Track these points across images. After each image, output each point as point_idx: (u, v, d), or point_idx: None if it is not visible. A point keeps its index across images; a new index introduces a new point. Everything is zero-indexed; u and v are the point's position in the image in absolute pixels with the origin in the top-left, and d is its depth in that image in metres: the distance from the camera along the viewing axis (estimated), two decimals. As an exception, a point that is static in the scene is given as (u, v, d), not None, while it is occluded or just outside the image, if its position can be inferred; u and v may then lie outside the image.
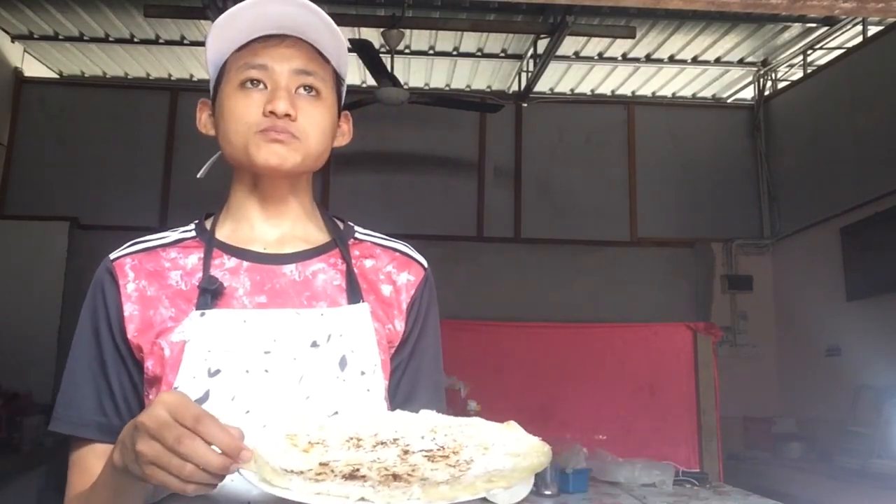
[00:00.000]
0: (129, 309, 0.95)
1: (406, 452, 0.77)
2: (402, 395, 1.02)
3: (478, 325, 4.00)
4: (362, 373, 0.94)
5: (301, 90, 0.98)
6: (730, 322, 5.50)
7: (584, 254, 5.53)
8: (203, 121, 1.05)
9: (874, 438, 3.97)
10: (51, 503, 3.75)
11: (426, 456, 0.76)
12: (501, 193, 5.72)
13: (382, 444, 0.79)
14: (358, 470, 0.72)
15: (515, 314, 5.04)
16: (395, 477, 0.71)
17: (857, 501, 3.55)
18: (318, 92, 0.99)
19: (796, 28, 4.89)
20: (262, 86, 0.97)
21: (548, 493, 2.86)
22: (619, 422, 3.68)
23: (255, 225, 1.02)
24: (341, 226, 1.08)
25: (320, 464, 0.74)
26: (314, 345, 0.93)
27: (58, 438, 0.96)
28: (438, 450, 0.78)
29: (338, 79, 1.05)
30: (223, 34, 0.99)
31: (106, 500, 0.83)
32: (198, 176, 1.10)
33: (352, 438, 0.80)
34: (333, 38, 1.00)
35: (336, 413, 0.90)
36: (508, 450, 0.77)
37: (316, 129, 0.99)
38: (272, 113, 0.95)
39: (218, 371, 0.90)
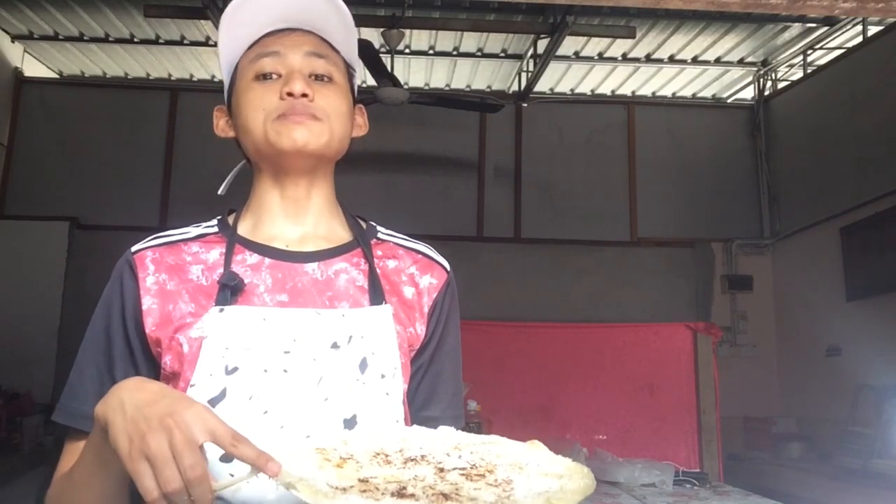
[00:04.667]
0: (147, 302, 0.94)
1: (441, 470, 0.74)
2: (420, 399, 1.01)
3: (478, 324, 3.99)
4: (382, 376, 0.92)
5: (314, 78, 0.98)
6: (730, 322, 5.50)
7: (584, 254, 5.53)
8: (221, 126, 1.05)
9: (874, 438, 3.97)
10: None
11: (463, 474, 0.73)
12: (501, 193, 5.72)
13: (412, 460, 0.76)
14: (405, 488, 0.69)
15: (515, 314, 5.05)
16: (445, 496, 0.68)
17: (857, 501, 3.55)
18: (330, 78, 1.00)
19: (796, 28, 4.89)
20: (276, 77, 0.98)
21: (548, 492, 2.86)
22: (619, 422, 3.69)
23: (277, 222, 1.00)
24: (364, 225, 1.06)
25: (360, 480, 0.70)
26: (335, 346, 0.91)
27: (58, 437, 0.95)
28: (472, 468, 0.75)
29: (348, 69, 1.05)
30: (233, 32, 0.99)
31: (89, 473, 0.80)
32: (219, 192, 1.08)
33: (378, 454, 0.76)
34: (342, 23, 1.00)
35: (354, 416, 0.89)
36: (544, 470, 0.75)
37: (335, 110, 0.98)
38: (289, 95, 0.95)
39: (235, 369, 0.88)
